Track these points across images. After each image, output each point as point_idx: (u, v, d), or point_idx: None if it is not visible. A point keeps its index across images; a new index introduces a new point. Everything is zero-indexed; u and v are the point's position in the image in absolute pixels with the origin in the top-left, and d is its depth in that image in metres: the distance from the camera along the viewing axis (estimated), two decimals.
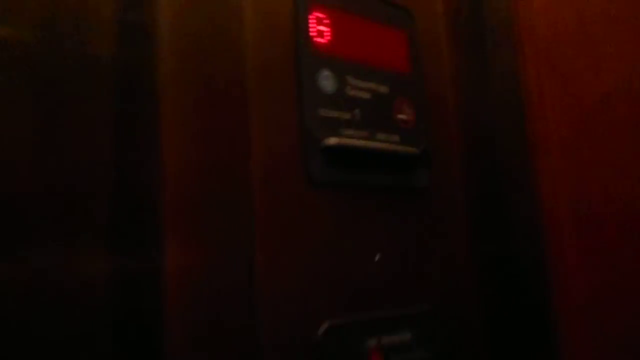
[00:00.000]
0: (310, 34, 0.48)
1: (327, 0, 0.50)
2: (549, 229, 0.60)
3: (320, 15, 0.49)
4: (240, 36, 0.43)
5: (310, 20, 0.48)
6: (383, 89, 0.53)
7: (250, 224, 0.40)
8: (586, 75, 0.61)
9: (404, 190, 0.54)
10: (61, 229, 0.36)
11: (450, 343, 0.53)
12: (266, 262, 0.42)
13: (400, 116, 0.54)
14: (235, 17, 0.44)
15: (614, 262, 0.57)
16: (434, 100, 0.59)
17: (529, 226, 0.62)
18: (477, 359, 0.57)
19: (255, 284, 0.40)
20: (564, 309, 0.59)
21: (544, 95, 0.61)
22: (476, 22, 0.64)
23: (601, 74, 0.62)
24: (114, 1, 0.41)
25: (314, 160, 0.46)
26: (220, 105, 0.41)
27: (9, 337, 0.32)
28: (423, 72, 0.58)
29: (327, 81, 0.48)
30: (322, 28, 0.49)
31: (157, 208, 0.36)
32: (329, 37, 0.49)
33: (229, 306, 0.38)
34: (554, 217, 0.60)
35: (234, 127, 0.41)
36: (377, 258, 0.49)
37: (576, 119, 0.59)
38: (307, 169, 0.45)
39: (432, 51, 0.60)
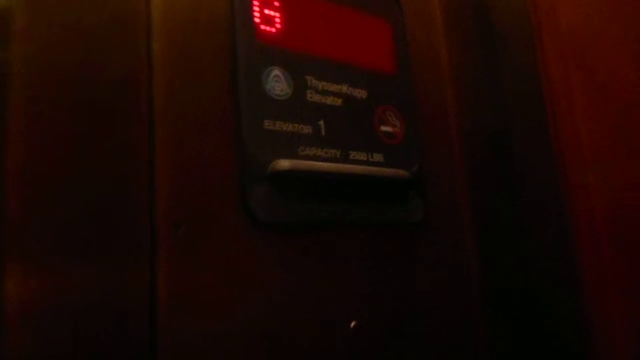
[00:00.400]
0: (254, 20, 0.36)
1: None
2: (584, 268, 0.46)
3: None
4: (145, 24, 0.31)
5: (254, 3, 0.36)
6: (360, 94, 0.40)
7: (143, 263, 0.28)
8: (625, 70, 0.48)
9: (391, 228, 0.40)
10: None
11: None
12: (173, 325, 0.28)
13: (384, 128, 0.41)
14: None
15: None
16: (429, 108, 0.46)
17: (559, 264, 0.48)
18: None
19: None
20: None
21: (572, 97, 0.48)
22: (481, 8, 0.51)
23: None
24: None
25: (257, 192, 0.33)
26: (99, 111, 0.28)
27: None
28: (413, 72, 0.45)
29: (278, 83, 0.36)
30: (270, 13, 0.37)
31: None
32: (280, 25, 0.37)
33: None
34: (592, 251, 0.46)
35: (122, 139, 0.28)
36: (352, 325, 0.35)
37: (614, 125, 0.46)
38: (247, 203, 0.32)
39: (427, 46, 0.48)
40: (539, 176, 0.49)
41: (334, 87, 0.39)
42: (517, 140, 0.52)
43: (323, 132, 0.37)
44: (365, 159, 0.39)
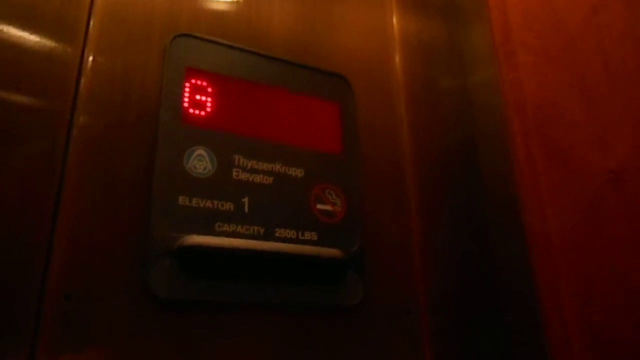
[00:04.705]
0: (183, 104, 0.38)
1: (212, 65, 0.40)
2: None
3: (200, 82, 0.39)
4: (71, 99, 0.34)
5: (185, 89, 0.39)
6: (295, 172, 0.41)
7: None
8: (589, 151, 0.44)
9: (322, 311, 0.38)
10: None
11: None
12: None
13: (321, 207, 0.41)
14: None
15: None
16: (384, 186, 0.45)
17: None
18: None
19: None
20: None
21: (537, 171, 0.45)
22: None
23: (608, 147, 0.45)
24: None
25: (159, 267, 0.33)
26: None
27: None
28: (360, 151, 0.45)
29: (201, 162, 0.37)
30: (201, 98, 0.39)
31: None
32: (210, 109, 0.39)
33: None
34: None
35: (26, 199, 0.30)
36: None
37: (578, 206, 0.42)
38: (147, 278, 0.32)
39: (383, 123, 0.48)
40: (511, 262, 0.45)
41: (264, 166, 0.39)
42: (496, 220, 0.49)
43: (246, 209, 0.37)
44: (294, 237, 0.38)
